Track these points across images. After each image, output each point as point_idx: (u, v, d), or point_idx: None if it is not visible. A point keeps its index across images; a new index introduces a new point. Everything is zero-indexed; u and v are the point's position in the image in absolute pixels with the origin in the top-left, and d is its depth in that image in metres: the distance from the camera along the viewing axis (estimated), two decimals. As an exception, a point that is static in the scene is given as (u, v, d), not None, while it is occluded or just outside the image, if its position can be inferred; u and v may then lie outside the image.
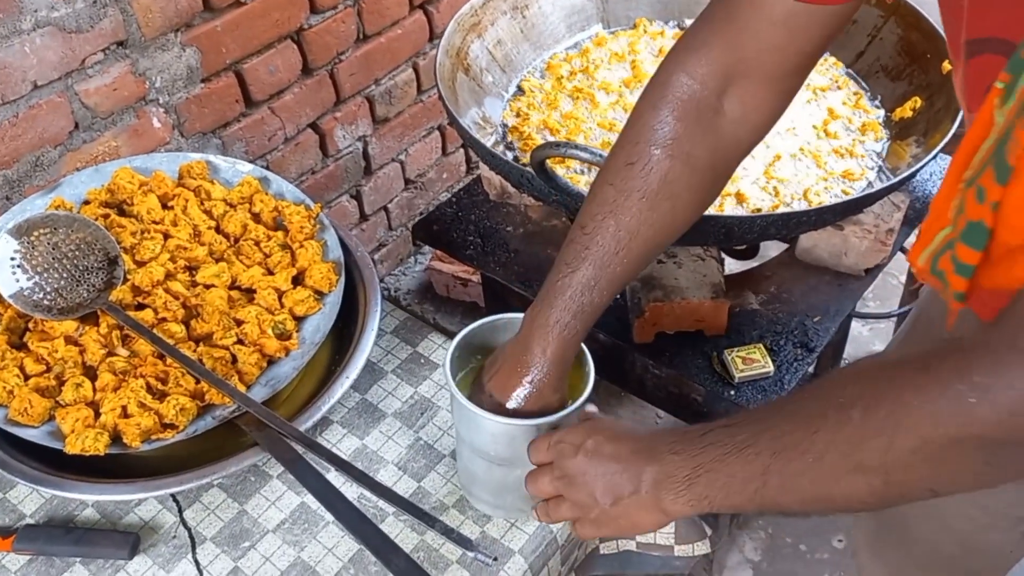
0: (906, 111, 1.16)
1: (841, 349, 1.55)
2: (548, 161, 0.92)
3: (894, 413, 0.53)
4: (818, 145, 1.15)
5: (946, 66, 1.12)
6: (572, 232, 0.74)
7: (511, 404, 0.77)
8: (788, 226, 0.96)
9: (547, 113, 1.21)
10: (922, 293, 0.95)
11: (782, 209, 1.06)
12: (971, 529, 0.94)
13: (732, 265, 1.26)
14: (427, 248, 1.97)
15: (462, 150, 1.95)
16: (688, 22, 1.39)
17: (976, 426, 0.50)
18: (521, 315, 0.87)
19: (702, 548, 1.05)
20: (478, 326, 0.86)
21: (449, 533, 0.83)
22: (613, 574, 1.12)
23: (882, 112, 1.20)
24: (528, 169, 0.95)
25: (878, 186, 1.05)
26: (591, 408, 0.80)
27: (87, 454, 0.88)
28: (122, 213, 1.10)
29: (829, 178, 1.10)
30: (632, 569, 1.10)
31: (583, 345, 0.80)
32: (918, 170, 1.00)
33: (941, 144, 1.01)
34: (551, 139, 1.14)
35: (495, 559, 0.83)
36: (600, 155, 0.83)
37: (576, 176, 1.13)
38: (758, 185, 1.10)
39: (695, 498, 0.64)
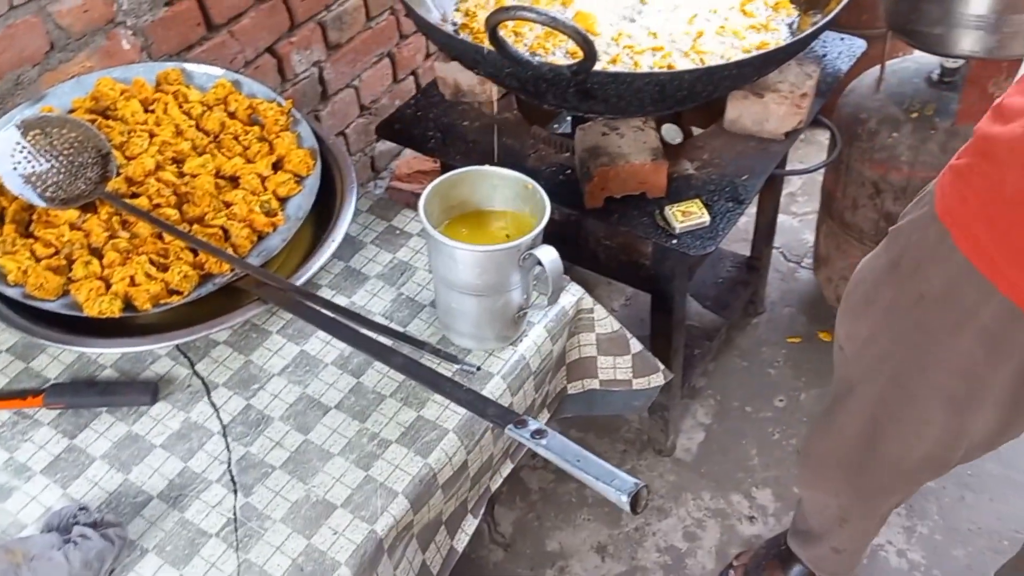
0: (812, -11, 1.31)
1: (776, 205, 1.71)
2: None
3: None
4: (737, 21, 1.28)
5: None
6: None
7: None
8: (712, 80, 1.09)
9: (494, 8, 1.32)
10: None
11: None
12: None
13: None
14: (386, 172, 2.07)
15: (411, 77, 2.05)
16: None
17: None
18: (487, 168, 0.99)
19: (656, 380, 1.20)
20: (455, 175, 0.97)
21: (438, 352, 0.95)
22: (581, 415, 1.25)
23: (792, -9, 1.34)
24: (484, 46, 1.06)
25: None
26: None
27: (104, 316, 0.98)
28: (107, 118, 1.19)
29: (748, 50, 1.24)
30: (597, 409, 1.24)
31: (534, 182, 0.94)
32: (817, 32, 1.14)
33: (836, 9, 1.15)
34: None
35: (478, 368, 0.96)
36: (548, 15, 0.95)
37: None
38: (687, 59, 1.22)
39: None
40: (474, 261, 0.92)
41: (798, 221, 2.09)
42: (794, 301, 1.92)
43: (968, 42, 1.33)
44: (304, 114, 1.22)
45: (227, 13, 1.53)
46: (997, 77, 1.46)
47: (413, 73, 2.05)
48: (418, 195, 1.93)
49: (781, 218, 1.85)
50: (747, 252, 1.83)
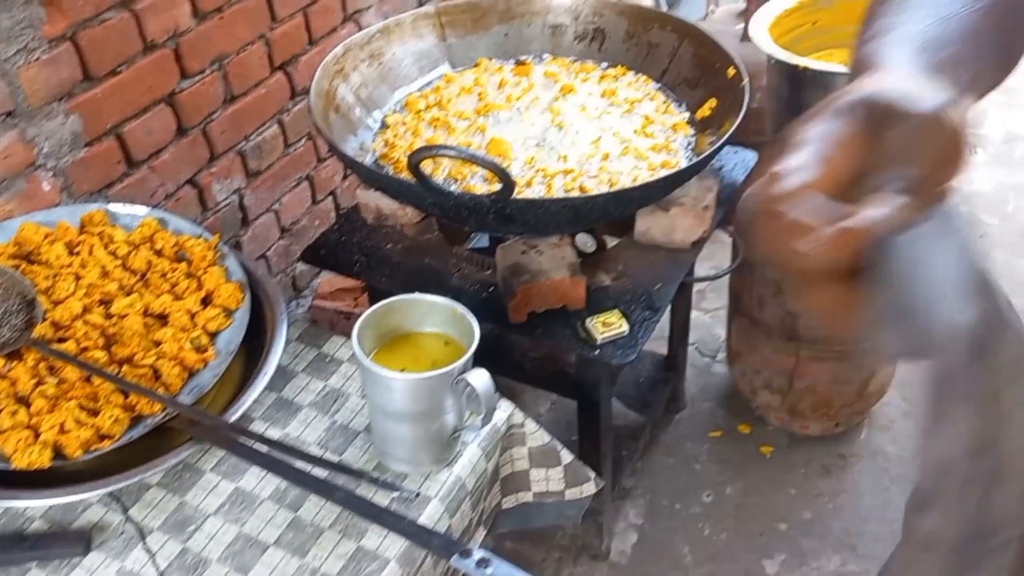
0: (705, 111, 1.42)
1: (687, 310, 1.79)
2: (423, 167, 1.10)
3: None
4: (639, 143, 1.38)
5: (731, 71, 1.38)
6: None
7: None
8: (623, 202, 1.17)
9: (412, 140, 1.39)
10: None
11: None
12: None
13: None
14: (308, 290, 2.09)
15: (330, 197, 2.10)
16: (524, 58, 1.61)
17: None
18: (418, 295, 1.03)
19: (588, 489, 1.23)
20: (386, 304, 1.01)
21: (375, 481, 0.97)
22: (516, 529, 1.27)
23: (687, 114, 1.46)
24: (406, 177, 1.12)
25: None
26: None
27: (34, 467, 0.97)
28: (31, 262, 1.19)
29: (652, 168, 1.33)
30: (532, 522, 1.26)
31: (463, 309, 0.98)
32: (716, 151, 1.24)
33: (730, 130, 1.26)
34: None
35: (417, 495, 0.98)
36: (468, 153, 1.02)
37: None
38: (596, 180, 1.31)
39: None
40: (408, 389, 0.95)
41: (709, 317, 2.19)
42: (712, 395, 1.99)
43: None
44: (227, 241, 1.26)
45: (148, 150, 1.56)
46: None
47: (332, 193, 2.10)
48: (342, 312, 1.97)
49: (693, 314, 1.94)
50: (664, 351, 1.90)
